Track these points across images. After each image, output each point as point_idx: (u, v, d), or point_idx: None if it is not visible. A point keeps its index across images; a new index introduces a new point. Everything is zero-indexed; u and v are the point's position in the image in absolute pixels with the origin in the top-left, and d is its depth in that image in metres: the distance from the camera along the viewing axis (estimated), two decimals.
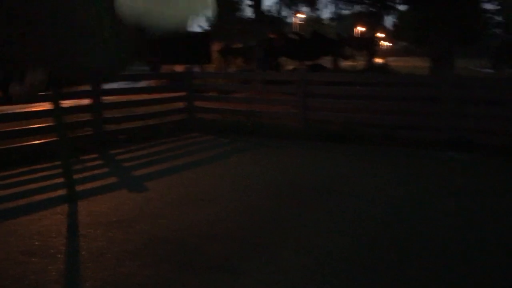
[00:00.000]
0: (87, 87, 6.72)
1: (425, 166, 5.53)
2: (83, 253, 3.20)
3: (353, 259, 3.06)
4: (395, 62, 30.37)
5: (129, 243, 3.35)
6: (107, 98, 7.14)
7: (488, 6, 23.82)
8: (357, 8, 15.41)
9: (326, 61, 21.38)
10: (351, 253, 3.14)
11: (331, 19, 15.76)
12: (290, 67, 20.18)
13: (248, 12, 30.95)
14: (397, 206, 4.10)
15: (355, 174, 5.21)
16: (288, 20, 22.65)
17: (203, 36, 22.74)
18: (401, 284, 2.74)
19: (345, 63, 22.34)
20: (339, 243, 3.32)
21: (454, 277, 2.79)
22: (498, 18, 28.76)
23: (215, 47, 19.67)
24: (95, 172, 5.47)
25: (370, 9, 15.34)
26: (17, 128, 6.04)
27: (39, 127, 6.10)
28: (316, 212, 3.95)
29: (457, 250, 3.19)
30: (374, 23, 20.01)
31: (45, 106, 6.46)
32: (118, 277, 2.83)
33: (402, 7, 16.86)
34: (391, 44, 61.28)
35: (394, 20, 35.45)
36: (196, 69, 15.48)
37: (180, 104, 8.58)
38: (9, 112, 6.11)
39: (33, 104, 6.65)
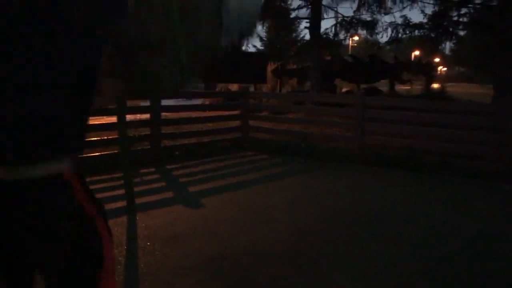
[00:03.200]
0: (146, 102, 6.95)
1: (482, 197, 5.28)
2: (141, 265, 3.26)
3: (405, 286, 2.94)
4: (452, 88, 29.49)
5: (185, 259, 3.38)
6: (164, 114, 7.35)
7: None
8: (416, 32, 15.08)
9: (382, 85, 21.09)
10: (402, 281, 3.02)
11: (388, 42, 15.52)
12: (345, 89, 20.05)
13: (305, 33, 31.19)
14: (450, 236, 3.92)
15: (408, 202, 5.05)
16: (344, 42, 22.60)
17: (259, 56, 23.13)
18: None
19: (401, 88, 21.92)
20: (389, 270, 3.20)
21: None
22: None
23: (270, 67, 19.90)
24: (153, 186, 5.61)
25: (430, 34, 14.99)
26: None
27: (100, 139, 6.33)
28: (366, 238, 3.84)
29: None
30: (433, 48, 19.57)
31: (103, 119, 6.73)
32: None
33: (462, 32, 16.42)
34: (446, 69, 59.65)
35: (453, 45, 34.54)
36: (251, 88, 15.69)
37: (235, 123, 8.70)
38: None
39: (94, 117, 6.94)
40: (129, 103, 6.44)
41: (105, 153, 6.26)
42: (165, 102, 7.53)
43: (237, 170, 6.72)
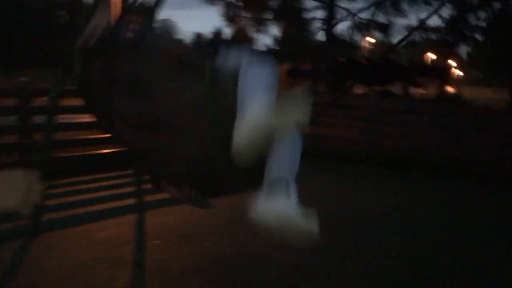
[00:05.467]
0: None
1: (492, 203, 5.21)
2: (149, 264, 3.27)
3: None
4: (467, 91, 29.16)
5: (193, 258, 3.39)
6: None
7: None
8: (432, 35, 14.95)
9: (396, 87, 20.93)
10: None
11: (403, 45, 15.42)
12: (359, 91, 19.93)
13: (319, 34, 31.11)
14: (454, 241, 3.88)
15: (416, 205, 5.00)
16: (358, 44, 22.48)
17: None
18: None
19: (415, 91, 21.75)
20: (394, 274, 3.17)
21: None
22: None
23: (283, 67, 19.86)
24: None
25: (446, 37, 14.85)
26: (92, 136, 6.35)
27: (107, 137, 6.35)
28: (369, 245, 3.81)
29: None
30: (448, 52, 19.36)
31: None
32: None
33: (479, 37, 16.22)
34: (462, 73, 59.08)
35: (469, 49, 34.19)
36: None
37: None
38: (86, 121, 6.44)
39: None
40: None
41: (117, 150, 6.28)
42: None
43: None
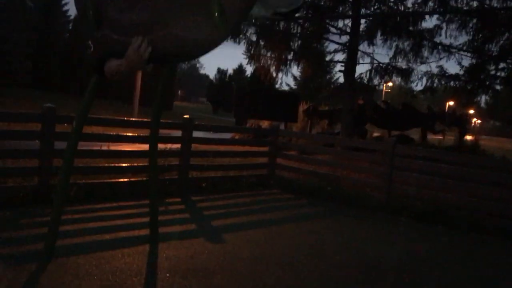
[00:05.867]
0: (178, 133, 7.06)
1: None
2: None
3: None
4: (486, 141, 28.93)
5: None
6: (193, 146, 7.44)
7: None
8: (452, 83, 14.96)
9: (413, 133, 20.87)
10: None
11: (423, 91, 15.44)
12: (376, 134, 19.91)
13: (339, 76, 31.42)
14: None
15: (434, 261, 4.91)
16: (378, 87, 22.66)
17: (292, 95, 23.33)
18: None
19: (433, 137, 21.63)
20: None
21: None
22: None
23: (302, 107, 20.02)
24: (177, 216, 5.64)
25: (466, 85, 14.84)
26: (109, 165, 6.45)
27: (130, 166, 6.44)
28: None
29: None
30: (468, 100, 19.37)
31: (136, 146, 6.87)
32: None
33: (499, 87, 16.20)
34: (481, 122, 58.81)
35: (488, 98, 34.22)
36: (281, 126, 15.78)
37: (263, 159, 8.72)
38: (102, 149, 6.57)
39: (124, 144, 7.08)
40: (162, 132, 6.58)
41: (133, 179, 6.35)
42: (195, 134, 7.65)
43: (260, 208, 6.70)
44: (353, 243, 5.16)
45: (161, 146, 6.79)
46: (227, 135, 13.90)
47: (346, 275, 4.10)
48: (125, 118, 7.48)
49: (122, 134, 6.70)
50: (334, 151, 10.42)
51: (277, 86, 23.63)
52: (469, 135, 27.47)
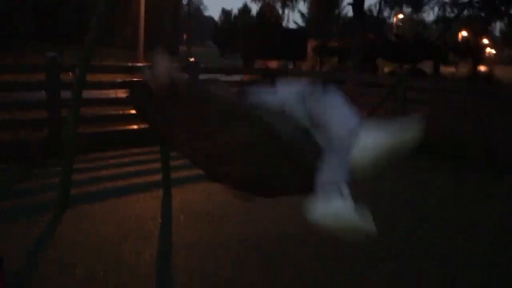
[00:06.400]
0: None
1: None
2: (174, 240, 3.28)
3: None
4: (500, 71, 28.20)
5: (218, 236, 3.38)
6: None
7: None
8: (465, 12, 14.40)
9: (426, 65, 20.41)
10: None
11: (435, 22, 14.90)
12: (387, 69, 19.51)
13: (347, 10, 30.40)
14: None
15: (440, 192, 4.88)
16: (389, 20, 21.88)
17: (300, 33, 22.77)
18: None
19: (446, 69, 21.14)
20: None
21: None
22: None
23: (311, 44, 19.56)
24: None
25: (479, 13, 14.29)
26: (120, 112, 6.40)
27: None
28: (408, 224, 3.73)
29: None
30: (482, 29, 18.70)
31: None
32: (206, 269, 2.86)
33: None
34: (495, 52, 57.30)
35: (503, 26, 32.94)
36: (290, 66, 15.48)
37: None
38: (114, 96, 6.49)
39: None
40: None
41: (144, 126, 6.31)
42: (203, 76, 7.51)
43: None
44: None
45: None
46: (237, 78, 13.68)
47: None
48: (130, 64, 7.33)
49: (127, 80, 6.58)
50: (345, 88, 10.22)
51: (284, 24, 23.03)
52: (483, 65, 26.75)
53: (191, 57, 7.11)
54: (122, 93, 7.03)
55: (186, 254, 3.05)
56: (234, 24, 54.84)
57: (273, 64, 17.43)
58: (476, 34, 22.37)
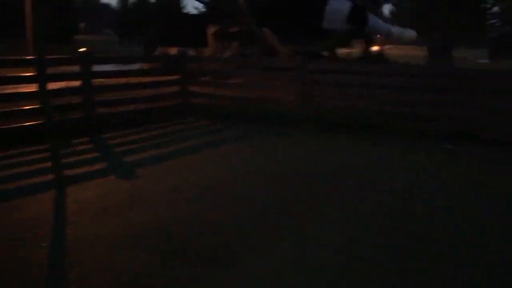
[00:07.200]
0: (76, 69, 6.53)
1: (423, 157, 5.40)
2: (71, 240, 3.08)
3: (353, 251, 2.95)
4: (391, 50, 30.11)
5: (118, 231, 3.23)
6: (98, 81, 6.95)
7: None
8: None
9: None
10: (353, 247, 3.03)
11: None
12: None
13: None
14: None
15: (355, 163, 5.09)
16: None
17: (200, 19, 22.44)
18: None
19: (342, 51, 22.12)
20: (340, 237, 3.20)
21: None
22: (496, 9, 28.62)
23: (211, 30, 19.35)
24: (85, 156, 5.33)
25: None
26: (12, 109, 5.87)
27: (26, 109, 5.89)
28: (317, 203, 3.83)
29: None
30: (371, 9, 19.78)
31: (31, 87, 6.24)
32: (106, 266, 2.71)
33: None
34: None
35: (392, 6, 35.09)
36: (191, 52, 15.23)
37: (175, 88, 8.38)
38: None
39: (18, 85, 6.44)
40: (54, 70, 6.05)
41: (33, 123, 5.84)
42: (98, 68, 7.12)
43: (176, 138, 6.50)
44: (272, 158, 5.20)
45: (61, 84, 6.32)
46: (136, 67, 13.20)
47: (264, 193, 4.12)
48: (16, 57, 6.69)
49: (12, 75, 6.07)
50: (248, 73, 10.26)
51: (186, 11, 22.58)
52: (375, 45, 28.38)
53: (83, 47, 6.66)
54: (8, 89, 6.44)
55: (84, 253, 2.87)
56: (133, 11, 52.87)
57: (173, 51, 17.03)
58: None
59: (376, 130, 6.50)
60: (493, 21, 31.41)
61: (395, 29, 3.66)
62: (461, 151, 5.67)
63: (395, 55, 23.59)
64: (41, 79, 4.08)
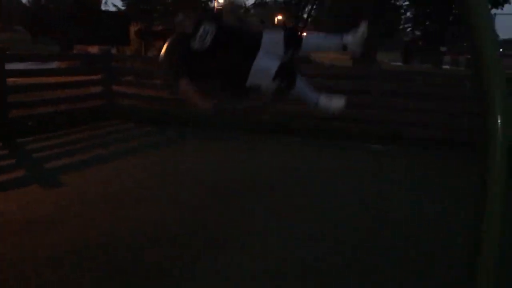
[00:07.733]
0: None
1: (354, 157, 5.51)
2: None
3: (300, 258, 2.88)
4: (314, 52, 30.92)
5: (47, 248, 2.90)
6: (12, 80, 6.38)
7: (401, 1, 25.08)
8: None
9: None
10: (298, 253, 2.96)
11: (254, 5, 15.59)
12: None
13: None
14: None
15: (285, 166, 5.07)
16: (211, 4, 22.20)
17: (121, 17, 21.61)
18: None
19: None
20: (286, 244, 3.13)
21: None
22: (409, 14, 30.44)
23: (133, 28, 18.74)
24: (0, 164, 4.84)
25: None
26: None
27: None
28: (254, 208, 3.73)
29: None
30: (295, 13, 20.24)
31: None
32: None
33: None
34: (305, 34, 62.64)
35: (313, 9, 36.16)
36: (113, 51, 14.60)
37: (97, 89, 7.90)
38: None
39: None
40: None
41: None
42: (11, 66, 6.53)
43: (100, 142, 6.07)
44: (202, 166, 5.02)
45: None
46: (53, 66, 12.38)
47: (201, 202, 3.96)
48: None
49: None
50: None
51: (103, 8, 21.69)
52: None
53: None
54: None
55: (10, 275, 2.54)
56: (46, 6, 49.94)
57: (94, 49, 16.21)
58: (290, 18, 24.07)
59: (305, 133, 6.49)
60: (406, 25, 33.40)
61: (322, 99, 3.60)
62: (388, 151, 5.86)
63: (319, 57, 24.26)
64: None
